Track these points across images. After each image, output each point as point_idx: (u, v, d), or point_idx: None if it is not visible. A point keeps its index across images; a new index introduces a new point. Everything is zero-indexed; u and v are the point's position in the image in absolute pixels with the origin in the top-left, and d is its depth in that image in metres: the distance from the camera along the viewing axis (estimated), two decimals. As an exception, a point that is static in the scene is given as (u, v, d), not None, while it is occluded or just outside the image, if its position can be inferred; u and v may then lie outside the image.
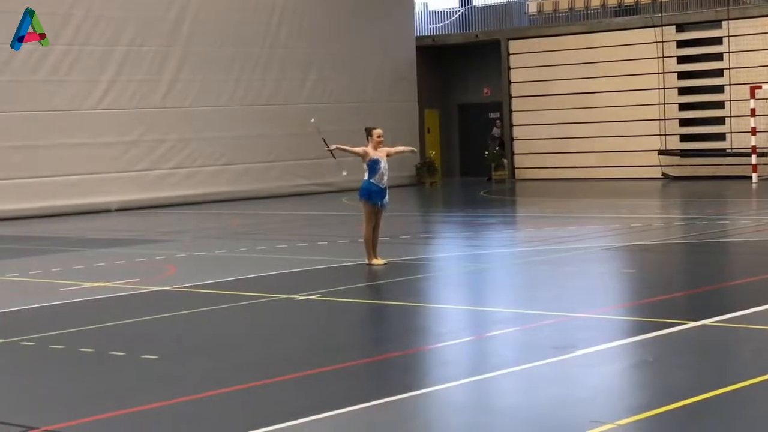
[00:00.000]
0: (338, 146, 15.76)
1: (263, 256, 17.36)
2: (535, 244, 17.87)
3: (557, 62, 35.44)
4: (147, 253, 18.23)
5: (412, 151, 16.83)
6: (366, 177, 15.44)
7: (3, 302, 13.18)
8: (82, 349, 10.15)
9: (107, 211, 28.62)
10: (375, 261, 15.32)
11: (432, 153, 37.38)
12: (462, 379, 8.59)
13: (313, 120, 17.25)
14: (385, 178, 15.43)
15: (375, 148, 15.48)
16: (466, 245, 18.88)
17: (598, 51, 34.89)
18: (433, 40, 38.51)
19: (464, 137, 39.44)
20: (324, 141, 16.24)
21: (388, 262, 15.37)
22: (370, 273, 14.89)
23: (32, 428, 7.39)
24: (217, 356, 9.93)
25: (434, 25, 39.39)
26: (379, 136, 15.53)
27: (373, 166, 15.39)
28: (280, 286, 13.87)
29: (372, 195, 15.37)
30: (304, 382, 8.63)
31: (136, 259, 17.45)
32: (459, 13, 39.03)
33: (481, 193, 31.62)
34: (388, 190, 15.57)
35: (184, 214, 27.31)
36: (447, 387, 8.33)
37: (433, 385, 8.43)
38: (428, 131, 38.80)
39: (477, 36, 37.67)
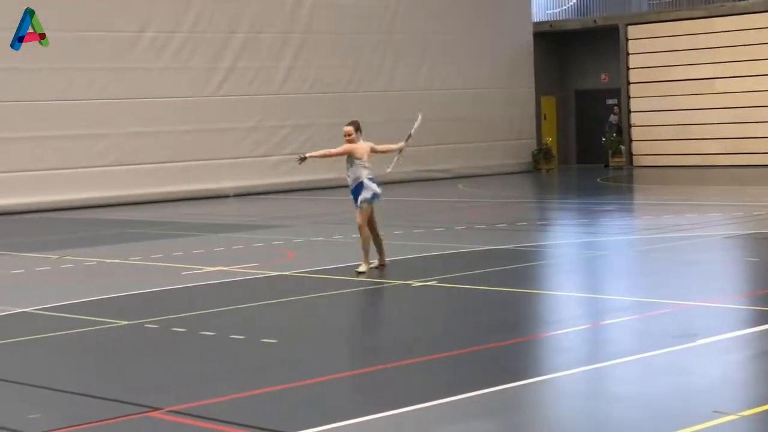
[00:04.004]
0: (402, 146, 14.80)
1: (380, 241, 17.41)
2: (653, 232, 17.63)
3: (678, 47, 34.83)
4: (265, 239, 18.44)
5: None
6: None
7: (127, 285, 13.46)
8: (203, 332, 10.32)
9: (225, 196, 29.03)
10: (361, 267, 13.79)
11: (549, 139, 37.12)
12: (579, 366, 8.53)
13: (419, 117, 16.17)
14: (349, 180, 14.02)
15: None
16: (583, 232, 18.71)
17: (720, 35, 34.17)
18: (551, 25, 38.17)
19: (581, 124, 39.03)
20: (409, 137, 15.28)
21: (367, 272, 13.68)
22: (487, 259, 14.82)
23: (156, 408, 7.55)
24: (334, 341, 10.01)
25: (552, 11, 39.05)
26: (344, 134, 14.16)
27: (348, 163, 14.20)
28: (396, 272, 13.91)
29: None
30: (421, 367, 8.65)
31: (254, 244, 17.66)
32: (577, -2, 38.63)
33: (598, 179, 31.28)
34: (363, 190, 13.89)
35: (301, 200, 27.56)
36: (564, 374, 8.27)
37: (550, 373, 8.38)
38: (545, 118, 38.51)
39: (595, 21, 37.22)
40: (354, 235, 18.16)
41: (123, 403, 7.76)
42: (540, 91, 37.47)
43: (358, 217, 14.00)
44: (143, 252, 16.89)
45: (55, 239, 19.95)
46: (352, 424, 7.05)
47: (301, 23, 31.09)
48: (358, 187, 13.98)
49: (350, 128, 14.25)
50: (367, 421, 7.11)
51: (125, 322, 10.95)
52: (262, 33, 30.37)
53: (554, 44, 38.49)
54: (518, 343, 9.51)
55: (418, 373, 8.47)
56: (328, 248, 17.08)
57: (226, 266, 14.84)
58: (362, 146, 14.13)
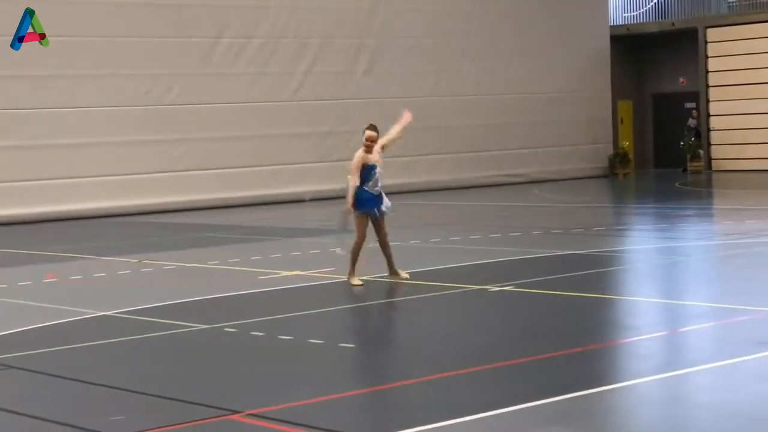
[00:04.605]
0: (347, 208, 13.52)
1: (456, 246, 17.41)
2: (733, 237, 17.41)
3: (759, 50, 34.36)
4: (341, 243, 18.46)
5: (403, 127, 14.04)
6: (357, 183, 13.41)
7: (205, 289, 13.59)
8: (281, 337, 10.39)
9: (301, 200, 29.18)
10: (354, 280, 13.50)
11: (625, 144, 36.84)
12: (659, 373, 8.45)
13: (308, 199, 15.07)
14: (380, 183, 13.42)
15: (368, 152, 13.37)
16: (661, 237, 18.54)
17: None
18: (628, 29, 37.88)
19: (658, 128, 38.69)
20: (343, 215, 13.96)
21: (364, 284, 13.51)
22: (564, 264, 14.74)
23: (237, 411, 7.61)
24: (411, 346, 10.02)
25: (629, 14, 38.74)
26: (368, 139, 13.33)
27: (368, 172, 13.35)
28: (473, 276, 13.89)
29: (364, 203, 13.44)
30: (498, 373, 8.63)
31: (331, 249, 17.71)
32: (655, 1, 38.28)
33: (676, 184, 30.96)
34: (384, 195, 13.59)
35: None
36: (644, 381, 8.21)
37: (630, 379, 8.31)
38: (621, 122, 38.23)
39: (673, 24, 36.88)
40: (433, 240, 18.22)
41: (203, 406, 7.84)
42: (617, 95, 37.22)
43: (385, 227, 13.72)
44: (221, 256, 17.05)
45: (135, 243, 20.21)
46: (429, 429, 7.05)
47: (375, 28, 31.20)
48: (380, 196, 13.49)
49: (374, 134, 13.43)
50: (443, 427, 7.10)
51: (204, 326, 11.06)
52: (338, 38, 30.52)
53: (631, 47, 38.19)
54: (596, 350, 9.45)
55: (494, 379, 8.45)
56: (403, 253, 17.06)
57: (303, 270, 14.93)
58: (378, 156, 13.48)
